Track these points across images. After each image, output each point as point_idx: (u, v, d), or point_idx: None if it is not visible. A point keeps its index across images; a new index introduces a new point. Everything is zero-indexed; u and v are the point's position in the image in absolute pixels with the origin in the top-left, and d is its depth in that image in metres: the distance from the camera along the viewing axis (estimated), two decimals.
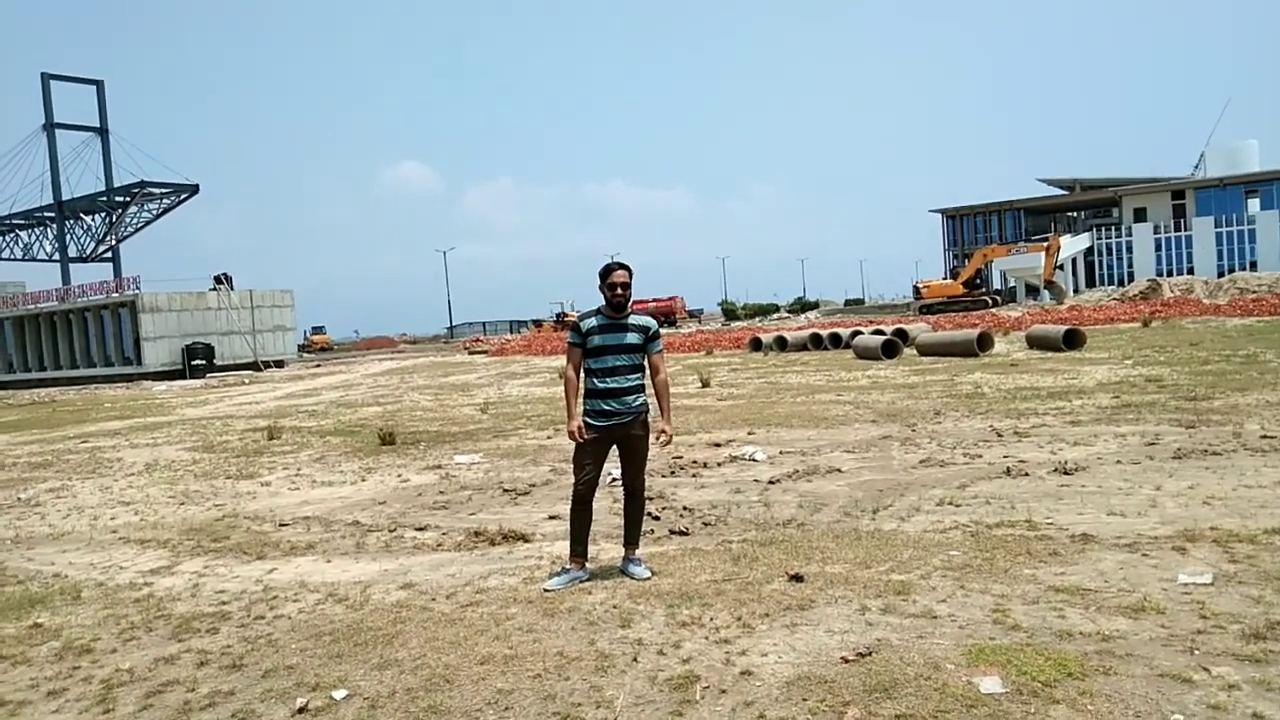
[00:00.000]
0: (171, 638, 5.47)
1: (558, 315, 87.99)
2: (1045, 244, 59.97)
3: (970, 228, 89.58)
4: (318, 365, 56.79)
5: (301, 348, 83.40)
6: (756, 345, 33.05)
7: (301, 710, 4.24)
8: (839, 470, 9.11)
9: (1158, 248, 74.51)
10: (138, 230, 74.55)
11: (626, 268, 5.91)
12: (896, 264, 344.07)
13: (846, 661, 4.30)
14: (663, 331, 56.64)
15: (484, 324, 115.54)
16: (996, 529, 6.49)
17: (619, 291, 5.85)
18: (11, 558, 7.96)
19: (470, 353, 53.98)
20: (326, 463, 12.29)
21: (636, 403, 5.96)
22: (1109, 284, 72.24)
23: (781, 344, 31.91)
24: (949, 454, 9.57)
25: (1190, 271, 69.22)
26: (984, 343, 23.41)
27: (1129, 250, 75.71)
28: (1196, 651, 4.23)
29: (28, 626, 5.89)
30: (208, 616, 5.85)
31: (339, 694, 4.39)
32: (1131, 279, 68.48)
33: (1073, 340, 22.87)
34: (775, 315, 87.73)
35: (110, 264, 74.71)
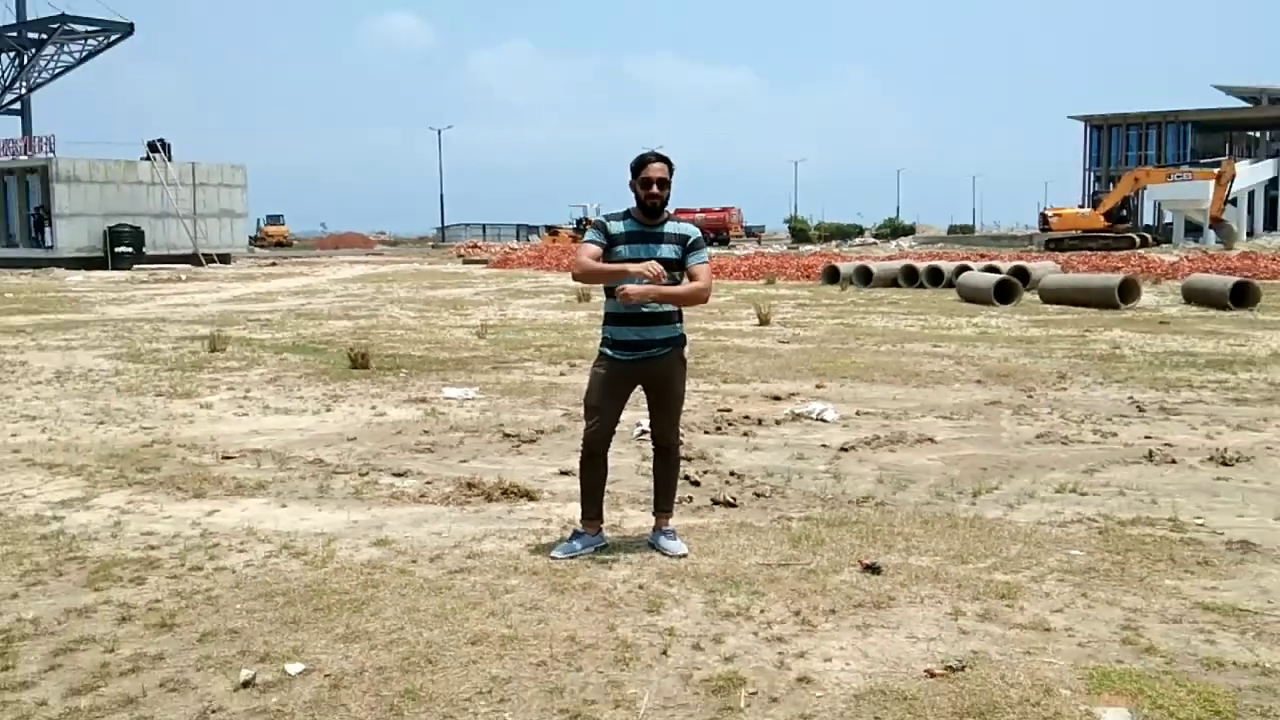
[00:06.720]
0: (86, 585, 4.56)
1: (579, 221, 71.32)
2: (1216, 170, 48.14)
3: (1120, 143, 70.60)
4: (273, 264, 47.41)
5: (253, 240, 70.21)
6: (833, 277, 27.44)
7: (247, 684, 3.51)
8: (932, 440, 7.76)
9: None
10: (55, 77, 57.37)
11: (666, 160, 4.80)
12: (1020, 185, 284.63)
13: (933, 676, 3.58)
14: (713, 252, 40.41)
15: (484, 227, 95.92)
16: (1131, 527, 5.43)
17: (655, 191, 4.74)
18: None
19: (465, 261, 46.69)
20: (282, 385, 10.77)
21: (669, 334, 4.87)
22: None
23: (865, 277, 26.45)
24: (1075, 429, 8.15)
25: None
26: (1128, 291, 19.48)
27: None
28: None
29: None
30: (132, 563, 4.86)
31: (294, 668, 3.63)
32: None
33: (1243, 296, 18.85)
34: (858, 240, 71.45)
35: (18, 118, 59.01)
